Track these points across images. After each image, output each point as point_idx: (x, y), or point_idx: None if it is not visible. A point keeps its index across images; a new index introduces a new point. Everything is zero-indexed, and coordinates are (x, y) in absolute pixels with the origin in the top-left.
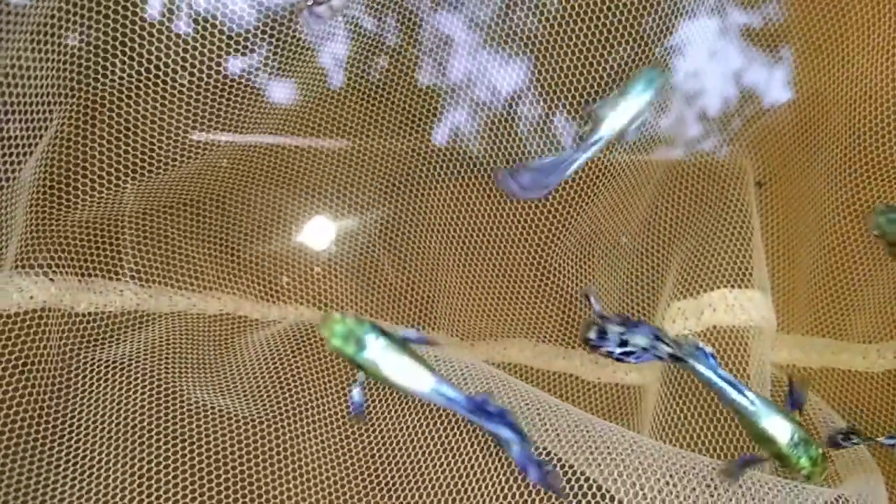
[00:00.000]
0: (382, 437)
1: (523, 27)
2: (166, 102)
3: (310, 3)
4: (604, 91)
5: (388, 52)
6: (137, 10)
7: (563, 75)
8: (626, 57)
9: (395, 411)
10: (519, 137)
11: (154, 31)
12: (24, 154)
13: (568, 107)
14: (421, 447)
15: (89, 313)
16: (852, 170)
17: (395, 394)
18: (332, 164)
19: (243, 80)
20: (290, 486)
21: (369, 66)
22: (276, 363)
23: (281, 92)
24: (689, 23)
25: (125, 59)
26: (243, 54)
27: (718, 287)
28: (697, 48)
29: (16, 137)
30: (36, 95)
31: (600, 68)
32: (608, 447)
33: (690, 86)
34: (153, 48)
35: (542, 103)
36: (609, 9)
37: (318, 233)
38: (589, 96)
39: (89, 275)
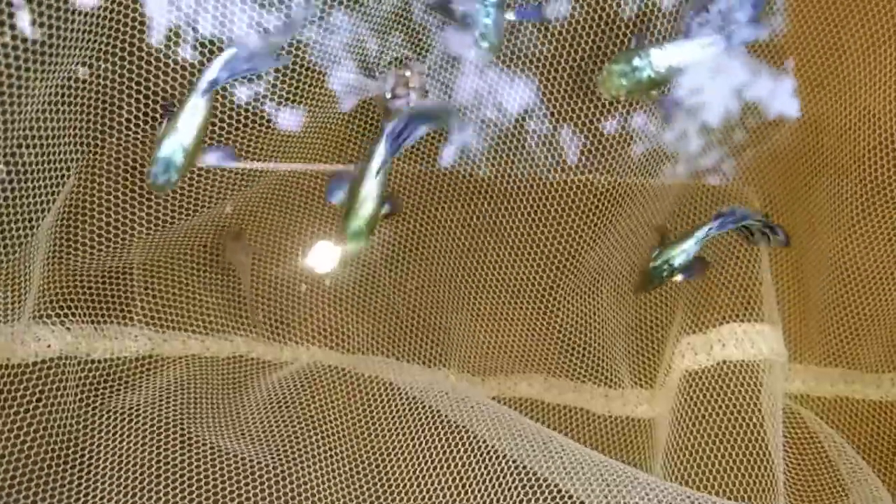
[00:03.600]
0: (397, 484)
1: (528, 47)
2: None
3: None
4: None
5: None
6: (158, 65)
7: (569, 95)
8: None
9: (411, 455)
10: (528, 160)
11: (171, 89)
12: (43, 210)
13: (575, 126)
14: (438, 492)
15: (105, 360)
16: (855, 196)
17: (410, 438)
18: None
19: (257, 129)
20: None
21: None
22: (289, 406)
23: (290, 132)
24: None
25: (139, 114)
26: (275, 114)
27: (728, 321)
28: (698, 73)
29: (36, 195)
30: (54, 154)
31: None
32: (618, 486)
33: (691, 117)
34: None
35: (549, 123)
36: (611, 29)
37: (327, 273)
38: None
39: (104, 322)
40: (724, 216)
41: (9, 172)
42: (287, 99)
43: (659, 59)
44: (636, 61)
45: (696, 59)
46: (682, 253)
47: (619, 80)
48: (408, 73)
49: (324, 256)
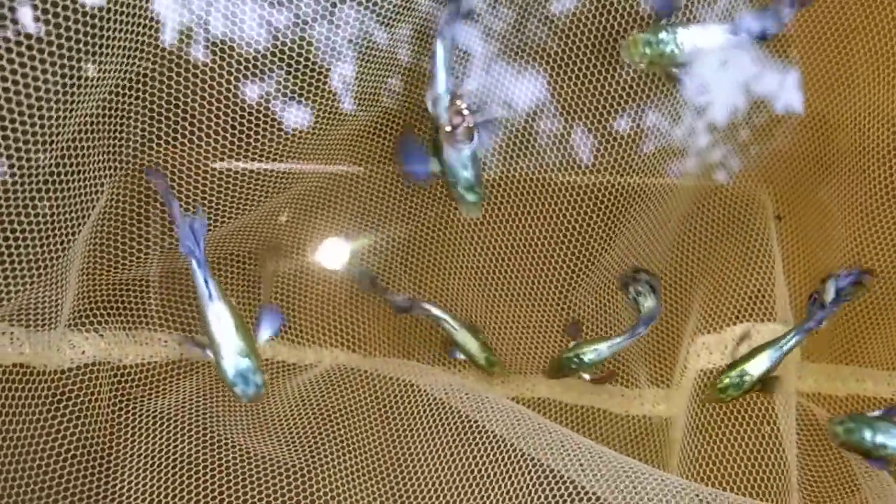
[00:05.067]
0: (419, 482)
1: (537, 43)
2: (210, 170)
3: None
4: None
5: (402, 73)
6: (187, 84)
7: (580, 95)
8: (637, 73)
9: (433, 454)
10: (539, 156)
11: (200, 102)
12: (79, 224)
13: (586, 126)
14: (459, 490)
15: (136, 365)
16: (867, 193)
17: (432, 438)
18: (359, 206)
19: (290, 143)
20: None
21: (385, 88)
22: (314, 408)
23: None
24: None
25: (171, 128)
26: (294, 118)
27: (742, 321)
28: (708, 72)
29: (72, 209)
30: (90, 170)
31: (615, 83)
32: (635, 483)
33: (702, 119)
34: (199, 119)
35: (559, 123)
36: (621, 25)
37: (348, 275)
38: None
39: (135, 328)
40: (639, 326)
41: (52, 184)
42: (308, 103)
43: (684, 37)
44: (662, 34)
45: (720, 44)
46: (593, 351)
47: (643, 49)
48: (458, 102)
49: (343, 258)
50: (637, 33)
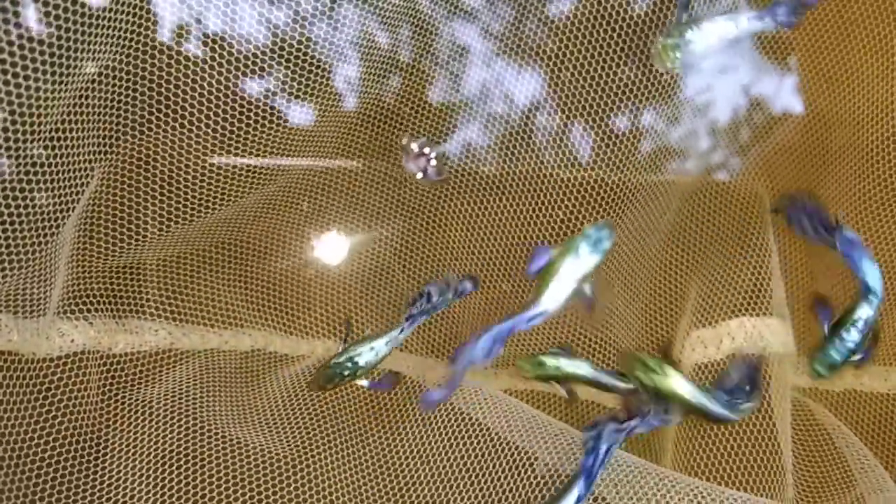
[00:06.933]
0: (410, 474)
1: (535, 43)
2: (206, 156)
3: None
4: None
5: (401, 70)
6: (170, 61)
7: (577, 90)
8: (636, 72)
9: (424, 446)
10: (535, 152)
11: (192, 87)
12: (68, 210)
13: (583, 122)
14: (451, 482)
15: (126, 353)
16: (866, 189)
17: (423, 430)
18: (356, 200)
19: (269, 126)
20: None
21: (383, 85)
22: (306, 399)
23: (304, 128)
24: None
25: (164, 111)
26: (287, 111)
27: (737, 315)
28: (706, 66)
29: (60, 195)
30: (78, 154)
31: (614, 81)
32: (629, 476)
33: (699, 112)
34: (192, 103)
35: (556, 119)
36: (619, 23)
37: (343, 267)
38: None
39: (125, 316)
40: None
41: (39, 167)
42: (300, 96)
43: (710, 31)
44: (689, 34)
45: (743, 33)
46: (370, 351)
47: (675, 54)
48: (412, 146)
49: (336, 250)
50: (664, 39)
